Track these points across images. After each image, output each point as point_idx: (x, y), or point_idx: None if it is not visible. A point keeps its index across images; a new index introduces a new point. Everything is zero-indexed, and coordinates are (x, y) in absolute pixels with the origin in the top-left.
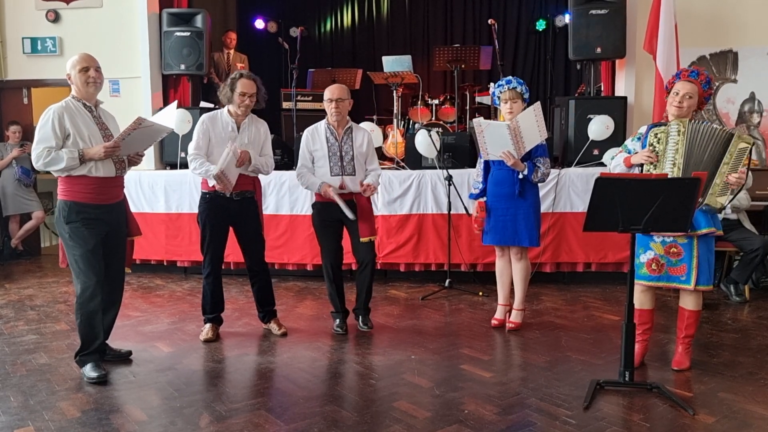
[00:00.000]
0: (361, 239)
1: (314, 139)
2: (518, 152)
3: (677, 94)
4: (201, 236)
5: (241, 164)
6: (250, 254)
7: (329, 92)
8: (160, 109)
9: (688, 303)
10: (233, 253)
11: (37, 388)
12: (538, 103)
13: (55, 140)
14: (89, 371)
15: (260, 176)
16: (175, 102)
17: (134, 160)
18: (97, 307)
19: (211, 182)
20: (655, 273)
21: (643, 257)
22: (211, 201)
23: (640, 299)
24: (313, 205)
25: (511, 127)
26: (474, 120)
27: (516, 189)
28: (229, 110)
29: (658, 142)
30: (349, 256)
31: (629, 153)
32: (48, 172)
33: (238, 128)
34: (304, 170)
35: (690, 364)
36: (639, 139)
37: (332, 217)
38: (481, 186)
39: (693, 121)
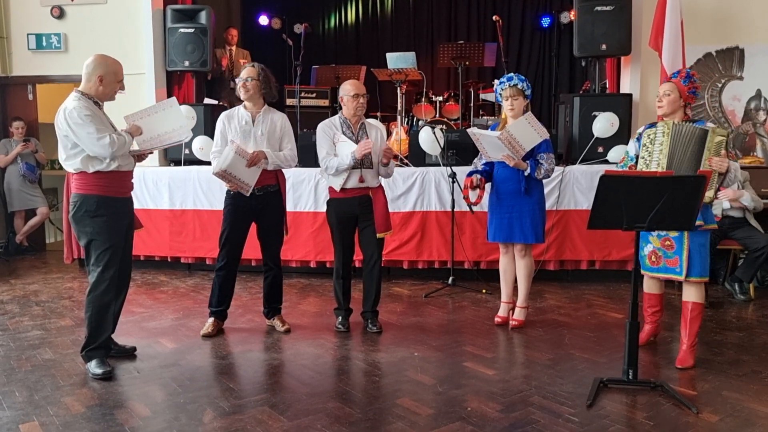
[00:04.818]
0: (378, 235)
1: (334, 132)
2: (517, 155)
3: (658, 95)
4: (221, 230)
5: (253, 164)
6: (267, 249)
7: (355, 87)
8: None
9: (690, 295)
10: None
11: (42, 383)
12: (530, 113)
13: (105, 127)
14: (94, 367)
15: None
16: (176, 101)
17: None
18: (111, 300)
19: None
20: (654, 264)
21: (646, 249)
22: (234, 198)
23: (648, 284)
24: (329, 202)
25: (502, 138)
26: (468, 130)
27: (522, 186)
28: (245, 105)
29: (651, 143)
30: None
31: (630, 157)
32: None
33: (254, 121)
34: (329, 157)
35: (694, 362)
36: (638, 139)
37: (348, 213)
38: (482, 168)
39: (678, 123)
